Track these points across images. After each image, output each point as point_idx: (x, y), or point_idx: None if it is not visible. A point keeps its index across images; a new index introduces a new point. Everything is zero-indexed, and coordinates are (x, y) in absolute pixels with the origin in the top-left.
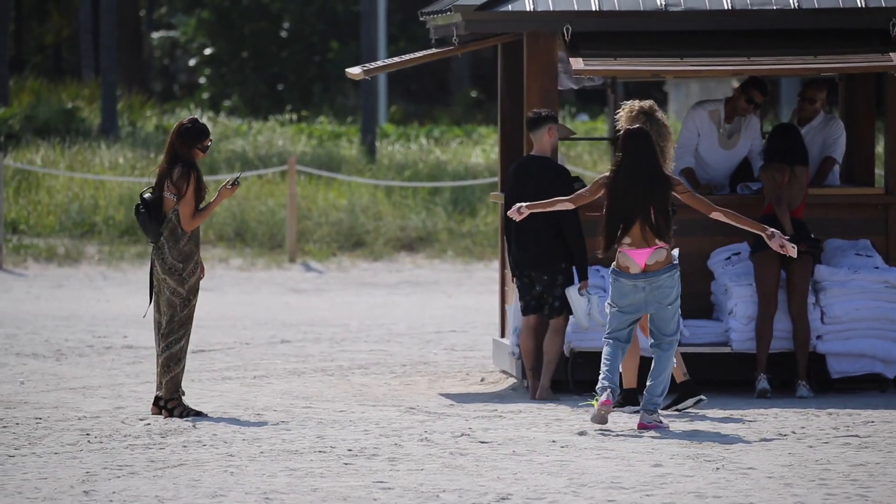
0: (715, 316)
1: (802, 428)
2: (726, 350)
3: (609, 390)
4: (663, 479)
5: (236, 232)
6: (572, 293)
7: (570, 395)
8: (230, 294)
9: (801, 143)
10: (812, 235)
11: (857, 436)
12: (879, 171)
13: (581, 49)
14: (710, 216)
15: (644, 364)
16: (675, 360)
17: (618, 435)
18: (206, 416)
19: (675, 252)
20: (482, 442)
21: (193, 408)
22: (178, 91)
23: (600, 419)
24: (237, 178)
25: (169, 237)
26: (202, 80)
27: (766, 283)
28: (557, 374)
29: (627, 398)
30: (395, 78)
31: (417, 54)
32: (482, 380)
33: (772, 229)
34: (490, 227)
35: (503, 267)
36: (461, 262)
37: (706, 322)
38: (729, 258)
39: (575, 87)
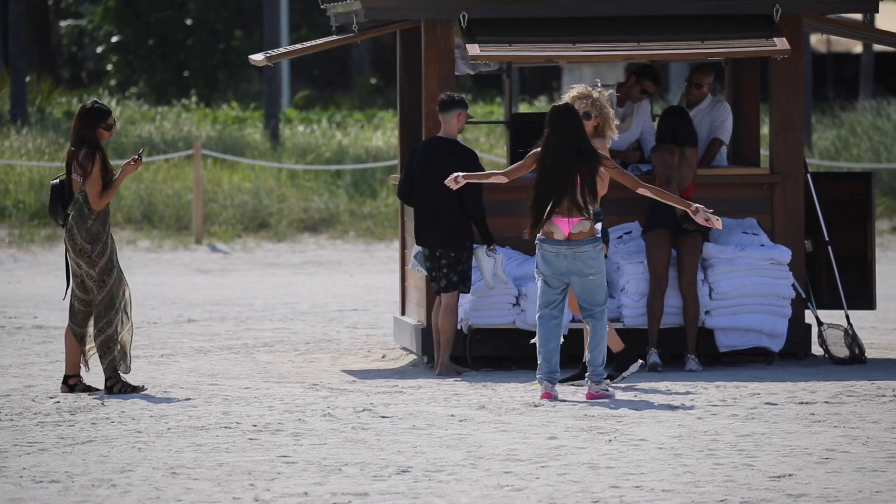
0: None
1: (692, 400)
2: (619, 326)
3: (547, 381)
4: (558, 451)
5: (144, 214)
6: (480, 253)
7: (469, 370)
8: (138, 275)
9: (690, 125)
10: None
11: (743, 407)
12: (765, 152)
13: (477, 35)
14: (637, 192)
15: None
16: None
17: (514, 409)
18: (144, 389)
19: (598, 226)
20: (383, 417)
21: (132, 383)
22: (86, 78)
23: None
24: (140, 153)
25: (76, 217)
26: (109, 67)
27: (657, 260)
28: (456, 350)
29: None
30: (298, 64)
31: (319, 41)
32: (383, 356)
33: (696, 204)
34: (390, 209)
35: (403, 247)
36: (363, 242)
37: None
38: (621, 237)
39: (472, 73)
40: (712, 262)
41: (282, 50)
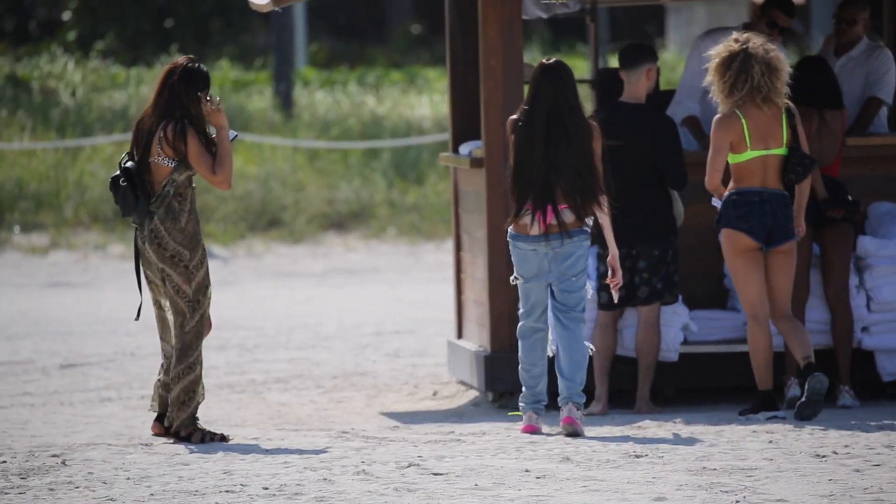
0: (730, 305)
1: (846, 447)
2: (745, 349)
3: (531, 412)
4: None
5: (116, 210)
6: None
7: (548, 409)
8: (108, 290)
9: (833, 82)
10: (850, 198)
11: None
12: None
13: None
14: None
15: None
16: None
17: (609, 461)
18: (229, 439)
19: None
20: (435, 474)
21: (213, 430)
22: (35, 31)
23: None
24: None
25: (166, 216)
26: (66, 17)
27: (796, 260)
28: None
29: (765, 401)
30: (316, 8)
31: None
32: (434, 394)
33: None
34: (442, 199)
35: (459, 248)
36: (406, 242)
37: (719, 313)
38: None
39: (545, 17)
40: (870, 262)
41: None
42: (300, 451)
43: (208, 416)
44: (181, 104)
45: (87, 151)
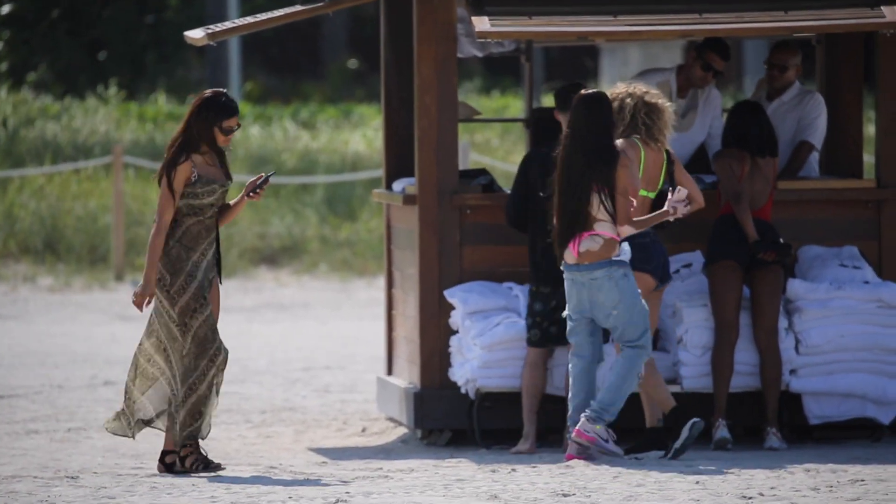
0: (661, 345)
1: (773, 489)
2: (675, 389)
3: (574, 426)
4: None
5: (46, 242)
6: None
7: (476, 447)
8: (38, 323)
9: (766, 125)
10: (782, 240)
11: (843, 498)
12: (870, 158)
13: (487, 5)
14: (618, 229)
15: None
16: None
17: (537, 500)
18: (223, 468)
19: (625, 248)
20: None
21: (210, 459)
22: None
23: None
24: (268, 176)
25: (167, 239)
26: None
27: (725, 302)
28: (460, 423)
29: (651, 440)
30: (251, 44)
31: (278, 13)
32: (363, 430)
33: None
34: (374, 235)
35: (390, 285)
36: (337, 278)
37: None
38: (677, 271)
39: (480, 55)
40: (800, 305)
41: (229, 25)
42: (227, 486)
43: (137, 449)
44: (191, 133)
45: (16, 182)
